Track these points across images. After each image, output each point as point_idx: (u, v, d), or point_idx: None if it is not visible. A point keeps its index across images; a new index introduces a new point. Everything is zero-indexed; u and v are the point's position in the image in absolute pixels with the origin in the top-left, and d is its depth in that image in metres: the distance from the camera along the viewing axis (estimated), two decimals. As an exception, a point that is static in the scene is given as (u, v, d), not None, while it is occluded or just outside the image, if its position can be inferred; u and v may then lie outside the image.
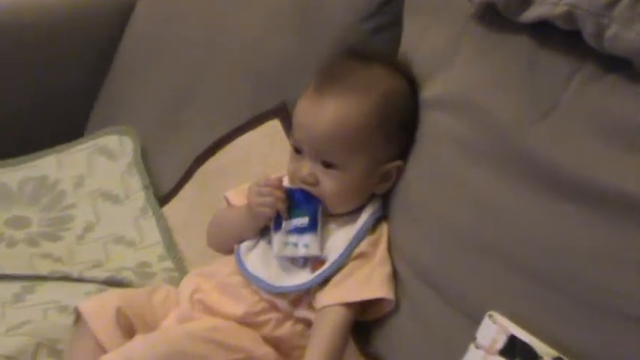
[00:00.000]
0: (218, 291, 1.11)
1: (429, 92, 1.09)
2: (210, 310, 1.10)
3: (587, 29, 0.84)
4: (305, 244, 1.07)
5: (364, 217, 1.11)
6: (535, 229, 0.89)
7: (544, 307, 0.87)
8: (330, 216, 1.12)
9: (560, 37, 0.91)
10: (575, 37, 0.89)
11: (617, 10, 0.81)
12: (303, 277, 1.08)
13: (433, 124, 1.07)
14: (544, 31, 0.93)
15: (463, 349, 0.88)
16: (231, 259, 1.14)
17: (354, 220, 1.11)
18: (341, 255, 1.08)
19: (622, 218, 0.81)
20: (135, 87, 1.63)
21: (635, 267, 0.78)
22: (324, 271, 1.07)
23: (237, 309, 1.09)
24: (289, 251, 1.08)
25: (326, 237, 1.10)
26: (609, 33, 0.81)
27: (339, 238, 1.10)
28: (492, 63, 1.00)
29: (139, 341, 1.04)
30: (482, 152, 0.97)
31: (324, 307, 1.05)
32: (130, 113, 1.61)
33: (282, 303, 1.08)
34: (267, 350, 1.06)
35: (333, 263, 1.07)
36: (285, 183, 1.13)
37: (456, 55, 1.05)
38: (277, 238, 1.08)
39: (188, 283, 1.16)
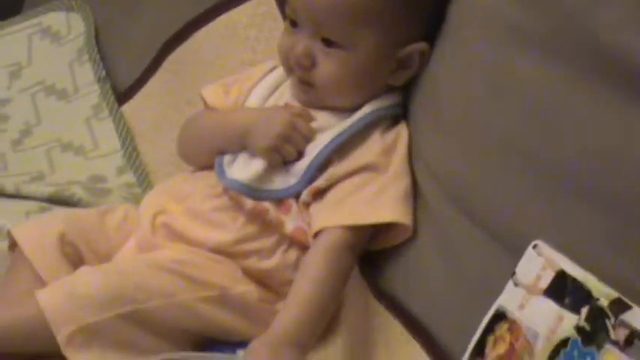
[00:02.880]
0: (189, 217, 1.12)
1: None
2: (179, 237, 1.11)
3: None
4: None
5: (367, 109, 1.11)
6: (602, 140, 0.88)
7: (605, 238, 0.87)
8: (325, 110, 1.13)
9: None
10: None
11: None
12: (290, 180, 1.11)
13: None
14: None
15: (498, 288, 0.90)
16: (205, 176, 1.15)
17: (349, 115, 1.12)
18: (320, 153, 1.09)
19: None
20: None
21: None
22: (303, 174, 1.09)
23: (214, 236, 1.10)
24: None
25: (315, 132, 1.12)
26: None
27: (328, 133, 1.11)
28: None
29: (85, 272, 1.05)
30: (537, 39, 0.95)
31: (321, 230, 1.06)
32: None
33: (271, 212, 1.09)
34: (247, 287, 1.08)
35: (311, 163, 1.09)
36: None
37: None
38: None
39: (150, 202, 1.17)
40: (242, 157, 1.13)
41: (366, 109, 1.12)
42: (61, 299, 1.00)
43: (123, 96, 1.49)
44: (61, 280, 1.03)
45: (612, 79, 0.88)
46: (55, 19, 1.60)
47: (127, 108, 1.48)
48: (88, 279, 1.02)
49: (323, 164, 1.10)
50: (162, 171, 1.38)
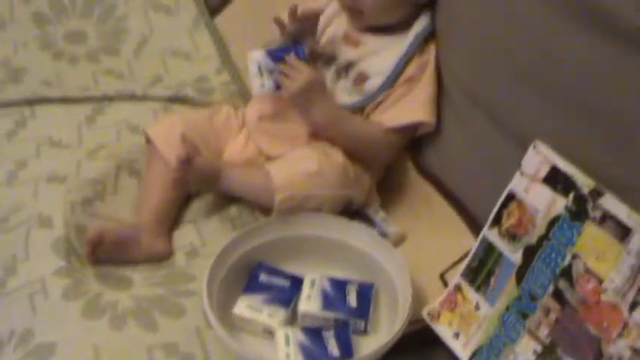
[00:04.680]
0: (283, 114, 1.22)
1: None
2: (276, 133, 1.22)
3: None
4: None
5: (411, 36, 1.19)
6: (575, 60, 0.95)
7: (583, 139, 0.95)
8: (377, 31, 1.21)
9: None
10: None
11: None
12: (354, 97, 1.21)
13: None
14: None
15: (509, 170, 0.99)
16: None
17: (402, 40, 1.20)
18: (388, 78, 1.19)
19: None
20: None
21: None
22: (373, 94, 1.20)
23: (302, 131, 1.21)
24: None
25: (372, 55, 1.21)
26: None
27: (385, 61, 1.20)
28: None
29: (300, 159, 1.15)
30: None
31: None
32: None
33: None
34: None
35: (381, 86, 1.19)
36: None
37: None
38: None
39: (252, 113, 1.26)
40: None
41: (411, 37, 1.19)
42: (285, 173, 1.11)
43: (213, 10, 1.54)
44: (282, 162, 1.14)
45: (591, 23, 0.94)
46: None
47: (218, 20, 1.52)
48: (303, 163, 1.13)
49: None
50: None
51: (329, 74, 1.22)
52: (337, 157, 1.16)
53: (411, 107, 1.17)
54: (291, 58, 1.17)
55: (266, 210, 1.15)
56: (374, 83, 1.20)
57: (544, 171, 0.95)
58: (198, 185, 1.17)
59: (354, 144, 1.17)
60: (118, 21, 1.58)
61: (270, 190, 1.10)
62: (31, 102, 1.38)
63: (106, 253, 1.11)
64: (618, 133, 0.93)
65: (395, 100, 1.19)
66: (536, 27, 1.01)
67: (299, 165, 1.13)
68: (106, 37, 1.56)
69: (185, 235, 1.19)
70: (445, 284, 1.06)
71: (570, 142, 0.97)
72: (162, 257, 1.16)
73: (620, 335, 0.85)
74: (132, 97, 1.40)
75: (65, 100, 1.39)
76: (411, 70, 1.19)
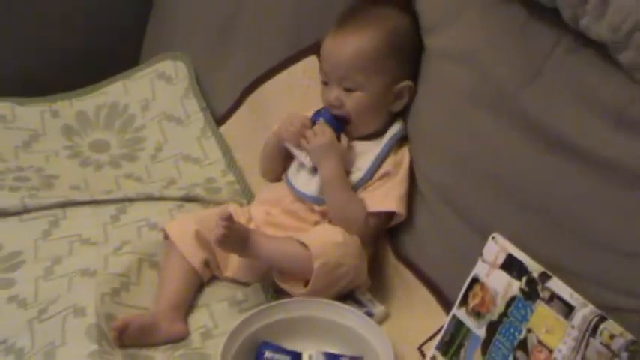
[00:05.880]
0: (286, 215, 1.33)
1: (436, 42, 1.26)
2: (282, 228, 1.32)
3: (565, 14, 1.00)
4: None
5: (386, 139, 1.33)
6: (524, 169, 1.08)
7: (531, 230, 1.07)
8: (358, 140, 1.34)
9: (548, 9, 1.05)
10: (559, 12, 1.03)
11: (589, 4, 0.95)
12: None
13: (440, 72, 1.24)
14: (534, 2, 1.08)
15: (473, 258, 1.09)
16: (286, 187, 1.36)
17: (379, 143, 1.33)
18: (366, 173, 1.31)
19: (590, 171, 1.01)
20: (182, 14, 1.76)
21: (603, 212, 1.00)
22: (354, 187, 1.31)
23: (305, 225, 1.32)
24: None
25: (356, 158, 1.33)
26: (583, 22, 0.97)
27: (365, 159, 1.32)
28: (493, 24, 1.15)
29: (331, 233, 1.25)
30: (483, 101, 1.14)
31: None
32: (179, 41, 1.75)
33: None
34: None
35: (360, 180, 1.31)
36: None
37: (461, 11, 1.21)
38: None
39: (259, 212, 1.37)
40: (303, 173, 1.34)
41: (386, 139, 1.32)
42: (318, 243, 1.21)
43: (218, 121, 1.64)
44: (311, 234, 1.25)
45: (529, 133, 1.07)
46: (166, 66, 1.71)
47: (222, 129, 1.62)
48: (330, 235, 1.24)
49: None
50: (252, 171, 1.51)
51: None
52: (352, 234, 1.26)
53: (386, 198, 1.28)
54: (320, 123, 1.31)
55: (287, 278, 1.23)
56: (355, 177, 1.32)
57: (501, 258, 1.05)
58: (226, 245, 1.24)
59: (343, 209, 1.27)
60: (136, 131, 1.68)
61: (304, 258, 1.19)
62: (63, 205, 1.46)
63: (131, 338, 1.20)
64: (560, 228, 1.05)
65: (372, 190, 1.30)
66: (490, 139, 1.14)
67: (328, 236, 1.23)
68: (126, 146, 1.66)
69: (199, 318, 1.28)
70: (423, 356, 1.16)
71: (523, 234, 1.08)
72: (180, 339, 1.24)
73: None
74: (150, 198, 1.48)
75: (92, 203, 1.48)
76: (386, 167, 1.31)
